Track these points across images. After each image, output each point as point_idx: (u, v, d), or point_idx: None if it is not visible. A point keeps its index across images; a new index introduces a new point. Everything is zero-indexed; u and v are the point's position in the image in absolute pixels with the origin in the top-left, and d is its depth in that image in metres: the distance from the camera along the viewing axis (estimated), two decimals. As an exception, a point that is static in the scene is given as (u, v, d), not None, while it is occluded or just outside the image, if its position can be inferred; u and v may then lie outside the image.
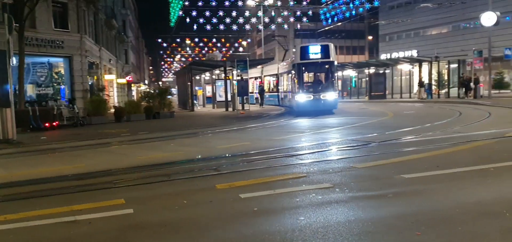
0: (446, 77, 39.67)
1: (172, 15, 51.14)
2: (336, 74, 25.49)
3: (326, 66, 23.86)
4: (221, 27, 45.61)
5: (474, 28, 51.03)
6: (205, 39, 73.07)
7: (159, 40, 74.23)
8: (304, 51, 23.90)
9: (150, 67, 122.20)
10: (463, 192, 5.76)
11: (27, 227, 5.02)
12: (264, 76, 38.46)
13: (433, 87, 35.75)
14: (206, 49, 76.06)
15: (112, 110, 25.77)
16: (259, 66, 37.84)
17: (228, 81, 33.66)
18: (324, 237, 4.28)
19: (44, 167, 9.26)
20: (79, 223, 5.07)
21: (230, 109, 31.41)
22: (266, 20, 62.36)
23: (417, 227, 4.43)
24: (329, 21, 57.06)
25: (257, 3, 55.15)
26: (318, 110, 22.84)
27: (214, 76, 38.40)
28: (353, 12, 48.91)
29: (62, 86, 28.98)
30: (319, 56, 23.70)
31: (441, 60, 36.96)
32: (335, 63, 24.46)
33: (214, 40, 72.43)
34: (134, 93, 66.33)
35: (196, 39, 72.66)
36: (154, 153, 10.58)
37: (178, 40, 64.66)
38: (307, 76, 24.81)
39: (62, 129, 19.20)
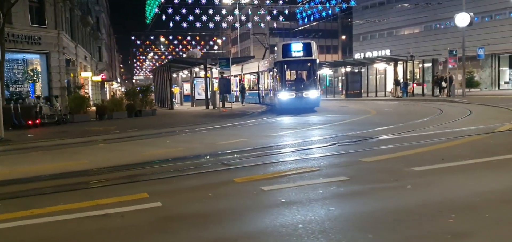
0: (418, 76, 40.77)
1: (148, 12, 50.56)
2: (318, 72, 25.77)
3: (309, 64, 24.04)
4: (198, 25, 45.29)
5: (445, 29, 52.48)
6: (180, 37, 72.58)
7: (133, 38, 73.37)
8: (286, 49, 24.02)
9: (121, 65, 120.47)
10: (476, 182, 6.02)
11: (57, 221, 4.99)
12: (244, 74, 38.50)
13: (409, 86, 36.59)
14: (180, 47, 75.69)
15: (93, 108, 25.36)
16: (239, 64, 37.87)
17: (208, 79, 33.63)
18: (361, 226, 4.43)
19: (45, 164, 9.13)
20: (111, 216, 5.08)
21: (210, 107, 31.37)
22: (243, 18, 62.35)
23: (447, 214, 4.64)
24: (305, 20, 57.51)
25: (233, 1, 55.13)
26: (300, 108, 23.01)
27: (192, 74, 38.23)
28: (330, 11, 49.49)
29: (32, 83, 28.27)
30: (301, 53, 23.88)
31: (416, 59, 37.88)
32: (317, 61, 24.73)
33: (188, 38, 72.05)
34: (107, 91, 65.32)
35: (171, 37, 72.05)
36: (154, 149, 10.55)
37: (152, 37, 63.95)
38: (290, 74, 24.90)
39: (45, 127, 18.79)
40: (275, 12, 52.50)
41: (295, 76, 25.08)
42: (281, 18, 52.78)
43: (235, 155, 9.12)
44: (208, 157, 9.14)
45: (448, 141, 9.76)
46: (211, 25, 55.92)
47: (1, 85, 20.50)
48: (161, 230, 4.56)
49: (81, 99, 22.58)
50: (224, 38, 78.33)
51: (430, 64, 37.69)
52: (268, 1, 55.42)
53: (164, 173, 7.48)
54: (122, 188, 6.52)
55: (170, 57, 75.60)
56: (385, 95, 39.73)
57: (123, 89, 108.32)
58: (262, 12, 57.72)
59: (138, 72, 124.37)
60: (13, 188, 6.81)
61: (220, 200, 5.65)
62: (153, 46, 70.87)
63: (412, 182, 6.07)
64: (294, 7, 55.38)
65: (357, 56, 58.05)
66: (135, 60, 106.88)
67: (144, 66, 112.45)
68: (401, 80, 36.51)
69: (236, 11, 52.88)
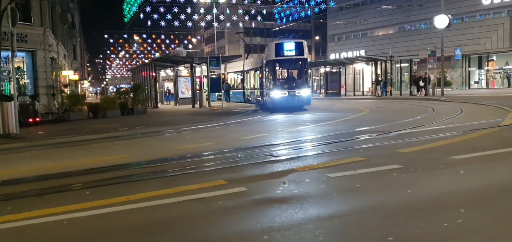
0: (394, 75, 42.26)
1: (126, 11, 50.06)
2: (309, 71, 26.41)
3: (300, 63, 24.59)
4: (176, 23, 45.39)
5: (418, 31, 54.40)
6: (154, 36, 72.14)
7: (106, 36, 72.40)
8: (278, 48, 24.50)
9: (88, 64, 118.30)
10: (517, 168, 6.72)
11: (161, 204, 5.31)
12: (228, 73, 38.84)
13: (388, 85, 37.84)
14: (154, 45, 75.23)
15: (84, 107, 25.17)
16: (223, 63, 38.15)
17: (193, 78, 33.75)
18: (446, 202, 4.98)
19: (89, 158, 9.32)
20: (208, 199, 5.46)
21: (197, 105, 31.56)
22: (221, 17, 62.54)
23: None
24: (284, 20, 58.32)
25: (211, 0, 55.44)
26: (292, 106, 23.57)
27: (176, 73, 38.30)
28: (309, 12, 50.47)
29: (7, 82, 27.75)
30: (293, 53, 24.42)
31: (394, 60, 39.24)
32: (308, 59, 25.36)
33: (162, 36, 71.68)
34: (79, 90, 64.24)
35: (144, 36, 71.51)
36: (183, 144, 10.83)
37: (125, 36, 63.28)
38: (281, 73, 25.41)
39: (45, 125, 18.64)
40: (253, 12, 53.08)
41: (287, 75, 25.61)
42: (259, 18, 53.35)
43: (274, 148, 9.54)
44: (245, 151, 9.51)
45: (465, 134, 10.49)
46: (189, 23, 56.10)
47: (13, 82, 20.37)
48: (261, 210, 4.97)
49: (76, 97, 22.46)
50: (198, 37, 78.31)
51: (406, 64, 39.11)
52: (245, 1, 56.04)
53: (220, 163, 7.87)
54: (196, 176, 6.87)
55: (141, 56, 75.43)
56: (363, 94, 40.97)
57: (91, 89, 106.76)
58: (240, 11, 58.23)
59: (106, 71, 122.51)
60: (86, 178, 7.02)
61: (300, 185, 6.08)
62: (127, 45, 70.07)
63: (462, 169, 6.67)
64: (270, 7, 56.17)
65: (332, 56, 59.37)
66: (105, 60, 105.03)
67: (113, 65, 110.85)
68: (383, 80, 37.73)
69: (214, 11, 53.18)
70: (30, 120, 18.23)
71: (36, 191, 6.27)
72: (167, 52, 77.56)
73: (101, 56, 72.07)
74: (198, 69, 36.23)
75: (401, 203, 5.03)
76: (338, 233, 4.20)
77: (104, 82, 78.54)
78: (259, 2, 50.57)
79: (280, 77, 25.20)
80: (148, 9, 42.53)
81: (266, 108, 25.27)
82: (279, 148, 9.56)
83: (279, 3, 47.89)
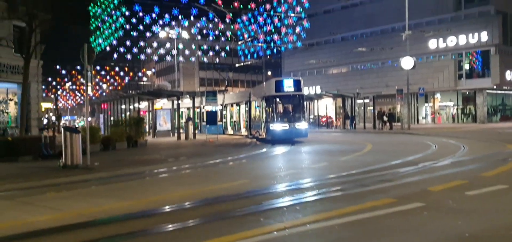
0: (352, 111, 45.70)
1: (94, 45, 50.08)
2: (305, 105, 28.48)
3: (298, 98, 26.60)
4: (142, 56, 46.12)
5: (370, 70, 58.76)
6: (107, 68, 71.64)
7: (58, 67, 70.74)
8: (278, 85, 26.41)
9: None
10: None
11: (364, 218, 6.83)
12: (203, 106, 40.02)
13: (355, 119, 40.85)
14: (108, 77, 74.56)
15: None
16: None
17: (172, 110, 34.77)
18: None
19: (206, 186, 10.40)
20: (403, 212, 7.03)
21: (182, 137, 32.49)
22: (174, 52, 63.69)
23: None
24: (243, 58, 60.50)
25: (170, 36, 56.66)
26: (291, 138, 25.44)
27: (152, 106, 39.08)
28: (275, 50, 53.26)
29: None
30: (292, 89, 26.41)
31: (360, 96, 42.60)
32: (304, 95, 27.46)
33: (117, 68, 71.41)
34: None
35: (98, 67, 70.77)
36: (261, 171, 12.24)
37: (78, 67, 62.31)
38: (282, 107, 27.08)
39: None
40: (217, 48, 55.05)
41: (285, 109, 27.14)
42: (223, 53, 55.36)
43: (369, 174, 11.23)
44: (359, 175, 11.09)
45: (502, 165, 12.71)
46: (142, 56, 56.85)
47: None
48: (464, 217, 6.69)
49: (95, 129, 22.88)
50: (153, 70, 78.63)
51: (367, 100, 42.50)
52: (199, 37, 57.98)
53: (358, 187, 9.46)
54: (352, 197, 8.37)
55: (97, 87, 74.67)
56: (327, 128, 43.94)
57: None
58: (198, 48, 60.28)
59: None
60: (240, 204, 8.23)
61: (464, 202, 7.75)
62: (79, 76, 68.84)
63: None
64: (225, 44, 58.19)
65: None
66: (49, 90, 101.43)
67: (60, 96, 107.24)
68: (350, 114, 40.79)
69: (173, 45, 54.40)
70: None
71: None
72: (121, 85, 77.22)
73: (49, 86, 69.96)
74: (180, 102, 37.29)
75: None
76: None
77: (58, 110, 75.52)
78: (211, 39, 52.43)
79: (280, 111, 26.88)
80: (114, 42, 43.04)
81: (263, 140, 26.82)
82: (371, 174, 11.27)
83: (241, 41, 49.95)
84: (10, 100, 27.77)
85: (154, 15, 33.02)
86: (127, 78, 75.25)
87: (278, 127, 25.74)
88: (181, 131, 33.91)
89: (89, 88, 15.07)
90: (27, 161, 17.60)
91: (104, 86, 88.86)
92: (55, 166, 14.73)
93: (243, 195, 8.88)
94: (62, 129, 15.79)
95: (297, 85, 26.58)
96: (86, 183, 11.62)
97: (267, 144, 24.79)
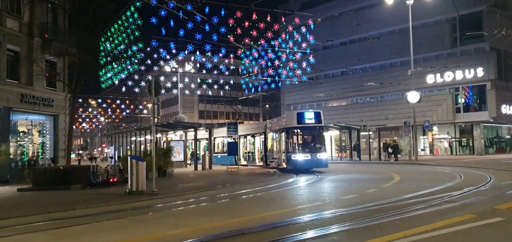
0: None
1: (103, 79, 50.60)
2: (324, 136, 29.85)
3: (318, 129, 28.05)
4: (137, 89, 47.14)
5: (370, 103, 60.63)
6: (109, 100, 72.55)
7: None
8: (300, 117, 27.90)
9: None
10: None
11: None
12: (214, 138, 41.05)
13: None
14: (109, 110, 75.45)
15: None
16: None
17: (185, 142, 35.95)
18: None
19: (283, 209, 11.59)
20: (498, 224, 8.27)
21: (199, 167, 33.49)
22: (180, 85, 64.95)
23: None
24: (247, 91, 61.92)
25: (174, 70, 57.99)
26: (312, 167, 26.70)
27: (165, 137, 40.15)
28: (272, 85, 54.95)
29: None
30: (313, 121, 27.87)
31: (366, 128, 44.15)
32: (324, 127, 28.86)
33: (118, 101, 72.36)
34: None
35: (100, 100, 71.71)
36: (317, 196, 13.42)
37: (80, 100, 63.13)
38: (303, 138, 28.37)
39: (117, 185, 19.66)
40: (221, 81, 56.42)
41: (305, 140, 28.43)
42: (227, 87, 56.78)
43: (428, 197, 12.44)
44: (419, 197, 12.30)
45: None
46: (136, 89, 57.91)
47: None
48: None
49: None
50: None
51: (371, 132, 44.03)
52: (196, 71, 59.62)
53: (430, 207, 10.64)
54: (433, 214, 9.57)
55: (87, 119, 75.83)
56: (332, 158, 45.24)
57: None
58: (203, 82, 61.72)
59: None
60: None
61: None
62: (81, 109, 69.58)
63: None
64: (227, 78, 59.73)
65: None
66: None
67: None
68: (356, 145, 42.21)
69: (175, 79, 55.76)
70: (111, 180, 19.54)
71: None
72: (121, 115, 77.99)
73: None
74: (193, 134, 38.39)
75: None
76: None
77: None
78: (215, 72, 53.83)
79: (301, 142, 28.14)
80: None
81: (284, 170, 27.95)
82: (433, 197, 12.49)
83: (245, 75, 51.57)
84: (38, 131, 28.57)
85: (167, 53, 34.09)
86: (127, 111, 76.10)
87: (300, 157, 27.01)
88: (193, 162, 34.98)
89: (155, 120, 16.16)
90: (78, 189, 18.52)
91: (101, 118, 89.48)
92: (119, 193, 15.70)
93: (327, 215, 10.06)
94: (129, 158, 16.81)
95: (318, 117, 28.05)
96: (170, 206, 12.70)
97: (290, 173, 25.87)
